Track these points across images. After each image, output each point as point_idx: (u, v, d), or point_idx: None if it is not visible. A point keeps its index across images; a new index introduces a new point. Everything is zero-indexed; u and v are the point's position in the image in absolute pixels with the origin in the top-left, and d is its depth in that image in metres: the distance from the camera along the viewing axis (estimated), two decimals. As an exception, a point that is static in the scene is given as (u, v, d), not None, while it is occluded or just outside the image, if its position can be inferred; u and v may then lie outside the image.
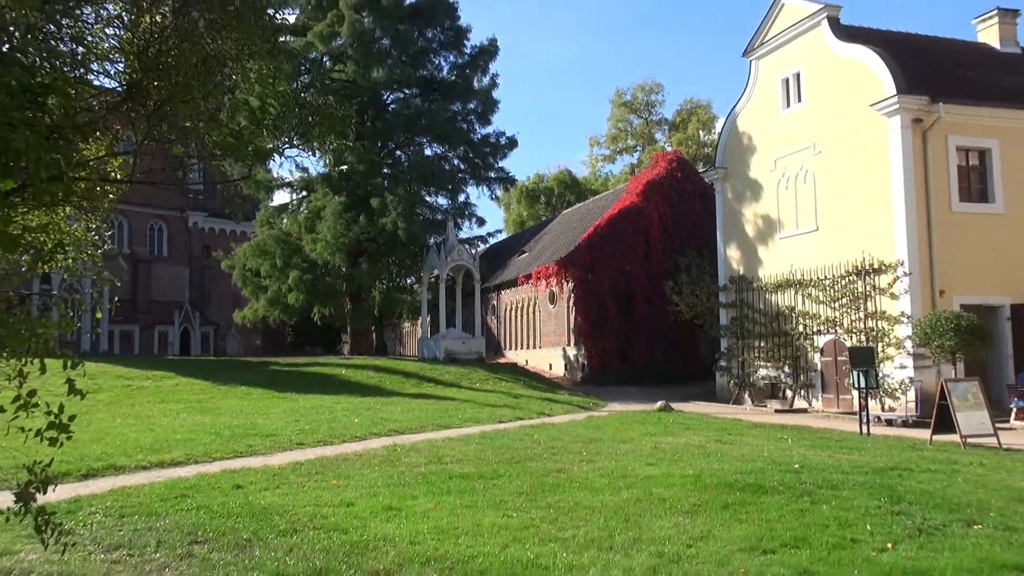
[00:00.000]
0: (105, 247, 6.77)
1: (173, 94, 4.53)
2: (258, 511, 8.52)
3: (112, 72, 5.92)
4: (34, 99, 2.52)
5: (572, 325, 34.15)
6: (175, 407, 20.44)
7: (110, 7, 5.68)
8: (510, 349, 40.27)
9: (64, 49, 5.31)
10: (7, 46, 3.27)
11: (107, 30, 5.56)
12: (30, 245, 4.83)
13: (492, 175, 43.59)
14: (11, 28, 3.33)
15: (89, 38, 5.44)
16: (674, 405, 22.66)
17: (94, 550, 7.04)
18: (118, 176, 5.49)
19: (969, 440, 14.25)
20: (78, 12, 5.43)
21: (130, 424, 16.84)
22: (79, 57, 5.32)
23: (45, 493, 4.81)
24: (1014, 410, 18.83)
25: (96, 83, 5.85)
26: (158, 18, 5.38)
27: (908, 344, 20.27)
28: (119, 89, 5.67)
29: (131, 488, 9.89)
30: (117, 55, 5.62)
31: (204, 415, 18.71)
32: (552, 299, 35.87)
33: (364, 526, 7.87)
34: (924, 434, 15.35)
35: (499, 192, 47.85)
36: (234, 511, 8.51)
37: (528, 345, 38.48)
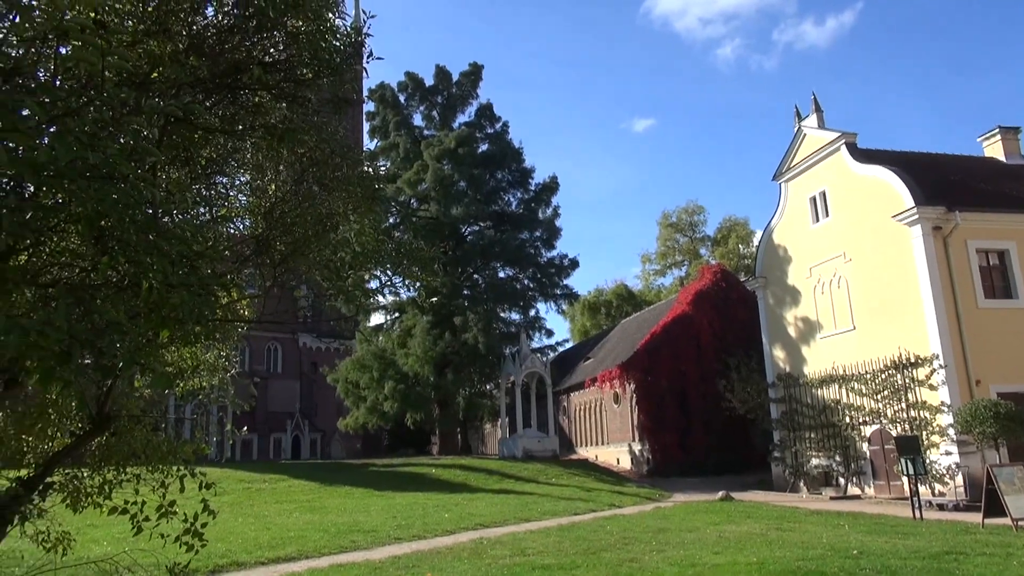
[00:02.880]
0: (234, 371, 7.02)
1: (295, 248, 4.79)
2: (362, 603, 8.36)
3: (242, 228, 6.34)
4: (189, 264, 2.73)
5: (635, 422, 33.38)
6: (288, 507, 20.44)
7: (241, 176, 6.13)
8: (581, 446, 39.42)
9: (204, 211, 5.72)
10: (167, 218, 3.56)
11: (240, 196, 5.99)
12: (176, 376, 5.07)
13: (558, 292, 43.93)
14: (173, 210, 3.64)
15: (225, 203, 5.85)
16: (733, 494, 21.68)
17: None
18: (247, 314, 5.77)
19: (1021, 523, 13.21)
20: (214, 181, 5.87)
21: (250, 523, 16.86)
22: (217, 217, 5.72)
23: (181, 593, 4.86)
24: (1062, 492, 17.44)
25: (231, 231, 6.25)
26: (281, 183, 5.77)
27: (951, 431, 19.17)
28: (248, 238, 6.04)
29: (252, 583, 9.86)
30: (246, 215, 6.02)
31: (313, 513, 18.63)
32: (616, 399, 35.27)
33: (457, 617, 7.64)
34: (975, 517, 14.30)
35: (564, 306, 48.04)
36: (342, 604, 8.38)
37: (597, 442, 37.64)
